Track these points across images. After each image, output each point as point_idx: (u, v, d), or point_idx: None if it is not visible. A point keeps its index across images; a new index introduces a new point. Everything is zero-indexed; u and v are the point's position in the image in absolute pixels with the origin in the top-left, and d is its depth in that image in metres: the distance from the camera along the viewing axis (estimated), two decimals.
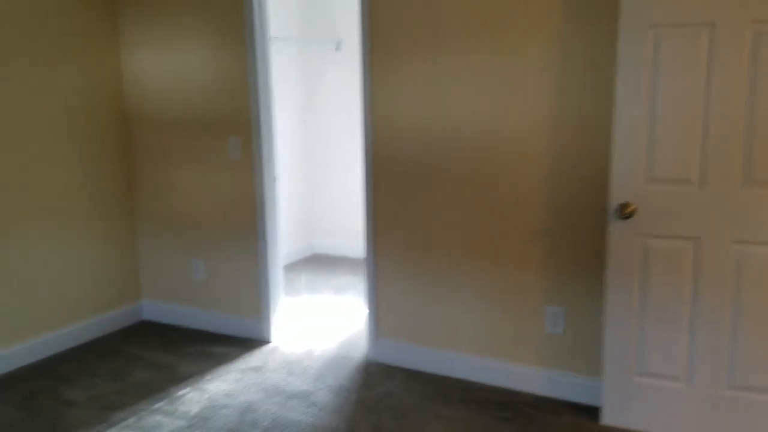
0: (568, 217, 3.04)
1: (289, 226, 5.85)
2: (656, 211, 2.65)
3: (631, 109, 2.62)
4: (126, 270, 4.34)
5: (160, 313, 4.41)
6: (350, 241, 6.03)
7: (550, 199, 3.07)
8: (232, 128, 3.92)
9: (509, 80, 3.07)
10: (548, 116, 3.00)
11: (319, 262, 5.91)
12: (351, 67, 5.79)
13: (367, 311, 3.68)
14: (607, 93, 2.86)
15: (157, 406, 3.20)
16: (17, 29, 3.57)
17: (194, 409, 3.16)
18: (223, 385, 3.42)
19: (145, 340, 4.09)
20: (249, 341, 4.04)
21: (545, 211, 3.09)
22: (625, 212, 2.66)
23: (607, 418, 2.88)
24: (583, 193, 2.99)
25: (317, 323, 4.37)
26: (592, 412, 3.04)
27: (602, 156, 2.91)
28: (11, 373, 3.63)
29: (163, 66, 4.08)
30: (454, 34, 3.16)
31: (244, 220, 3.98)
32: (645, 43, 2.56)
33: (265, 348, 3.93)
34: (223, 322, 4.16)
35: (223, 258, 4.10)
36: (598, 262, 2.99)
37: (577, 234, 3.03)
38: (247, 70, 3.79)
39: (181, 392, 3.34)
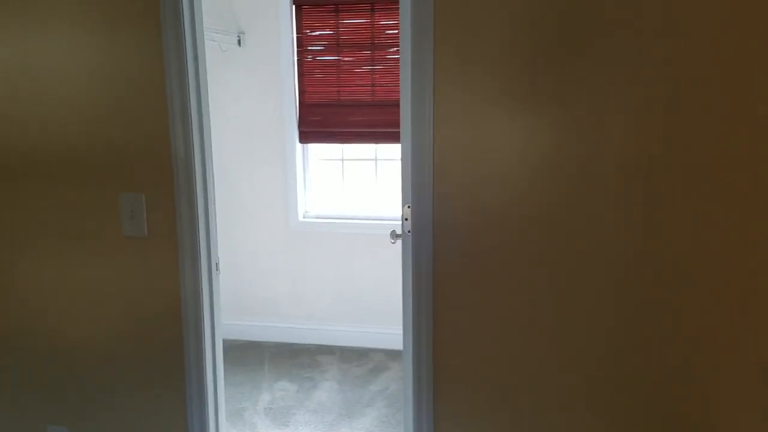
0: None
1: None
2: None
3: None
4: None
5: None
6: (270, 320, 4.18)
7: None
8: (132, 176, 2.02)
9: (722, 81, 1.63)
10: None
11: (227, 356, 3.97)
12: (260, 69, 3.98)
13: None
14: None
15: None
16: None
17: None
18: None
19: None
20: None
21: None
22: None
23: None
24: None
25: None
26: None
27: None
28: None
29: None
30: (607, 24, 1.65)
31: (156, 346, 2.08)
32: None
33: None
34: None
35: (110, 420, 2.15)
36: None
37: None
38: (167, 73, 1.94)
39: None
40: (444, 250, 1.87)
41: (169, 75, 1.94)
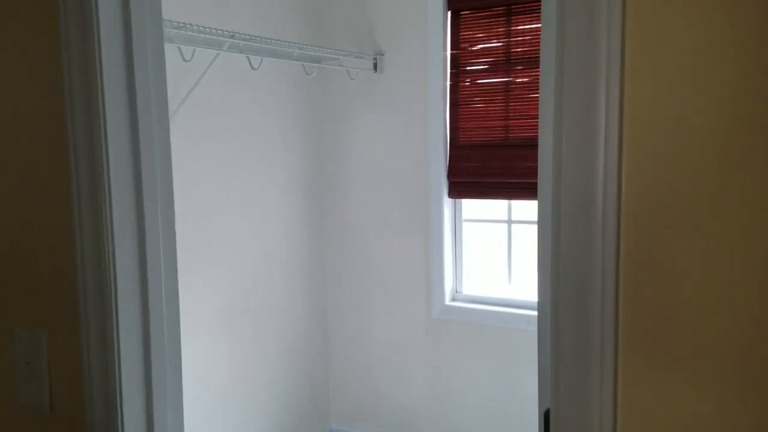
0: None
1: (283, 402, 2.97)
2: None
3: None
4: None
5: None
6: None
7: None
8: (28, 301, 1.12)
9: None
10: None
11: None
12: (400, 100, 2.99)
13: None
14: None
15: None
16: None
17: None
18: None
19: None
20: None
21: None
22: None
23: None
24: None
25: None
26: None
27: None
28: None
29: None
30: None
31: None
32: None
33: None
34: None
35: None
36: None
37: None
38: (69, 126, 1.02)
39: None
40: None
41: (72, 128, 1.02)
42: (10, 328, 1.14)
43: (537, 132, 2.99)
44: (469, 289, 3.03)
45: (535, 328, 2.97)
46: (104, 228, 1.02)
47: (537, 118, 3.04)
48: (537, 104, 2.75)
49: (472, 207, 3.06)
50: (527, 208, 2.94)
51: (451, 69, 2.95)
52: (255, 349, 2.80)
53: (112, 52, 1.00)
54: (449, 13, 2.94)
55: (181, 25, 1.96)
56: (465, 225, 3.03)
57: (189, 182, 2.42)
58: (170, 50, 2.07)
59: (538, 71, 2.90)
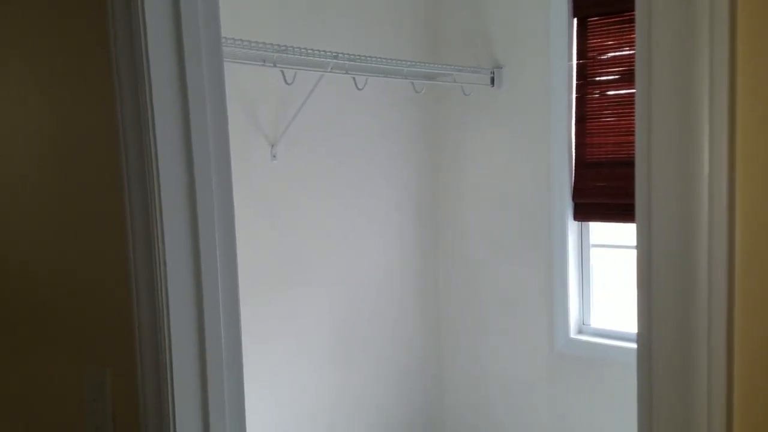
0: None
1: None
2: None
3: None
4: None
5: None
6: None
7: None
8: (93, 337, 1.11)
9: None
10: None
11: None
12: (519, 115, 2.79)
13: None
14: None
15: None
16: None
17: None
18: None
19: None
20: None
21: None
22: None
23: None
24: None
25: None
26: None
27: None
28: None
29: None
30: None
31: None
32: None
33: None
34: None
35: None
36: None
37: None
38: (125, 172, 0.98)
39: None
40: None
41: (126, 174, 0.98)
42: (79, 365, 1.13)
43: None
44: (598, 321, 2.73)
45: None
46: (156, 254, 0.97)
47: None
48: None
49: (603, 231, 2.78)
50: None
51: (577, 80, 2.71)
52: (365, 378, 2.72)
53: (154, 101, 0.94)
54: (575, 20, 2.71)
55: (283, 48, 1.94)
56: (593, 250, 2.75)
57: (296, 207, 2.40)
58: (273, 74, 2.06)
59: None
